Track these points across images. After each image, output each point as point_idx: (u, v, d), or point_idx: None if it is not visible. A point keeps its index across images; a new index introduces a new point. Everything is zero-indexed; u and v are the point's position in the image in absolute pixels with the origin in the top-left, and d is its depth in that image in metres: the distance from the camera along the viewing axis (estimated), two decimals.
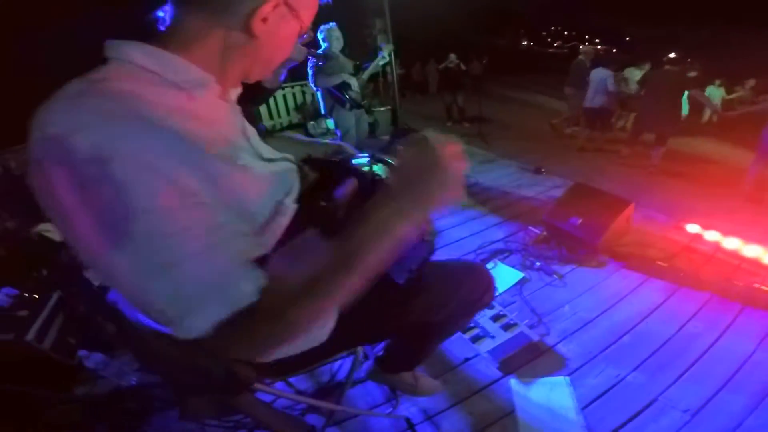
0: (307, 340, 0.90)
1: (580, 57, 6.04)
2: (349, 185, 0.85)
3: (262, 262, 0.63)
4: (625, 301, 2.23)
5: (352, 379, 1.33)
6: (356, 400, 1.70)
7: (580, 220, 2.71)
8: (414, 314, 1.07)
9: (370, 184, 0.83)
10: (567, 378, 1.75)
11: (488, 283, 1.18)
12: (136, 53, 0.60)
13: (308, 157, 0.99)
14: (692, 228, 2.82)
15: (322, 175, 0.88)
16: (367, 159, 1.05)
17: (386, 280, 0.87)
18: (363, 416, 1.63)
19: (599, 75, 5.45)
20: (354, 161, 1.03)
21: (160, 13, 0.66)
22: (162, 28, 0.65)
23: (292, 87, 7.13)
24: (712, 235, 2.71)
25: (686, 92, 4.60)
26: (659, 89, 4.60)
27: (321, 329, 0.90)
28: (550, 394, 1.69)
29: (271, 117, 7.03)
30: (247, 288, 0.57)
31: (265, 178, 0.73)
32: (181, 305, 0.55)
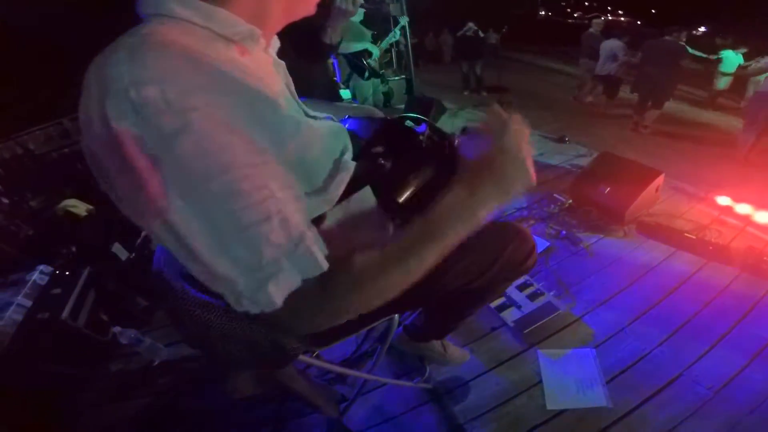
0: None
1: (591, 29, 6.33)
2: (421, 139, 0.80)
3: (317, 221, 0.64)
4: (652, 273, 2.16)
5: (386, 347, 1.31)
6: (383, 369, 1.70)
7: (608, 189, 2.61)
8: (461, 276, 1.03)
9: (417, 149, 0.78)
10: (594, 350, 1.72)
11: (531, 247, 1.12)
12: (179, 6, 0.54)
13: (350, 118, 0.93)
14: (723, 200, 2.69)
15: (378, 133, 0.83)
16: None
17: None
18: (389, 386, 1.63)
19: (610, 45, 5.75)
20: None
21: None
22: None
23: None
24: (743, 209, 2.58)
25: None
26: (656, 57, 4.82)
27: None
28: (576, 366, 1.67)
29: None
30: (319, 256, 0.54)
31: (320, 134, 0.68)
32: (257, 274, 0.50)
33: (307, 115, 0.72)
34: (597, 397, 1.52)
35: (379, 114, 1.15)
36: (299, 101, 0.73)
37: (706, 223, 2.52)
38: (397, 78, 5.89)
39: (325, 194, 0.66)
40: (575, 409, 1.49)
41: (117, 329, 1.69)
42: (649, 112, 5.09)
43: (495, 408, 1.53)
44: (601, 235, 2.49)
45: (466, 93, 7.12)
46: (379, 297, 0.58)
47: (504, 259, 1.06)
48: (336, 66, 3.35)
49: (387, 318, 1.14)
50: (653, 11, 21.33)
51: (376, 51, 3.26)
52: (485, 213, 0.60)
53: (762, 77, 4.90)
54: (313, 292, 0.54)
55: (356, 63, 3.18)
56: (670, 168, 2.89)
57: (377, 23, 3.83)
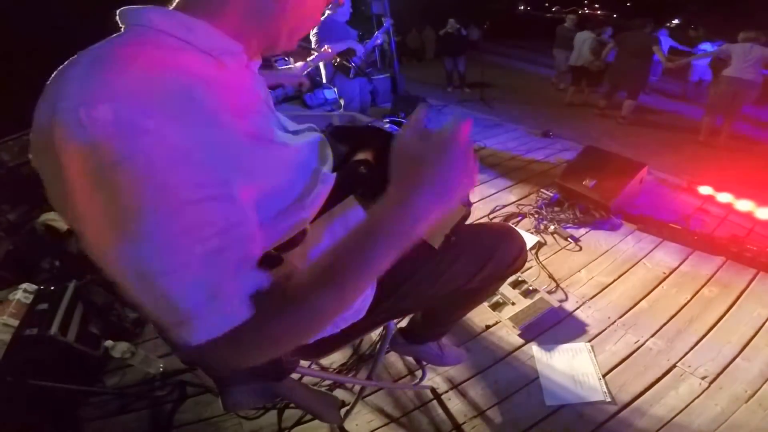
0: (345, 318, 0.88)
1: (565, 23, 6.53)
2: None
3: (301, 235, 0.63)
4: (640, 264, 2.18)
5: (383, 353, 1.29)
6: (380, 372, 1.67)
7: (594, 182, 2.62)
8: (451, 281, 1.01)
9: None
10: (588, 344, 1.72)
11: (521, 246, 1.11)
12: (158, 17, 0.51)
13: (332, 127, 0.91)
14: (704, 190, 2.73)
15: (355, 142, 0.82)
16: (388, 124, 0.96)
17: (422, 248, 0.83)
18: (389, 389, 1.60)
19: (582, 37, 5.88)
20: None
21: None
22: None
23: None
24: (724, 197, 2.62)
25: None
26: (628, 50, 4.90)
27: (360, 304, 0.87)
28: (572, 360, 1.66)
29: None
30: (237, 310, 0.47)
31: (295, 148, 0.67)
32: (175, 315, 0.45)
33: (286, 129, 0.69)
34: (594, 391, 1.51)
35: (363, 119, 1.13)
36: (278, 115, 0.71)
37: (689, 213, 2.55)
38: (382, 76, 5.83)
39: (302, 207, 0.63)
40: (574, 404, 1.49)
41: (109, 343, 1.62)
42: (625, 103, 5.11)
43: (495, 406, 1.52)
44: (589, 228, 2.49)
45: (449, 89, 7.08)
46: (311, 320, 0.51)
47: (495, 260, 1.04)
48: (322, 65, 3.28)
49: (382, 325, 1.11)
50: (628, 4, 21.56)
51: (361, 49, 3.22)
52: (418, 228, 0.51)
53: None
54: (246, 333, 0.47)
55: (341, 62, 3.13)
56: (652, 159, 2.92)
57: (360, 22, 3.77)
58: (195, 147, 0.45)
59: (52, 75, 0.44)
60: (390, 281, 0.85)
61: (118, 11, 0.52)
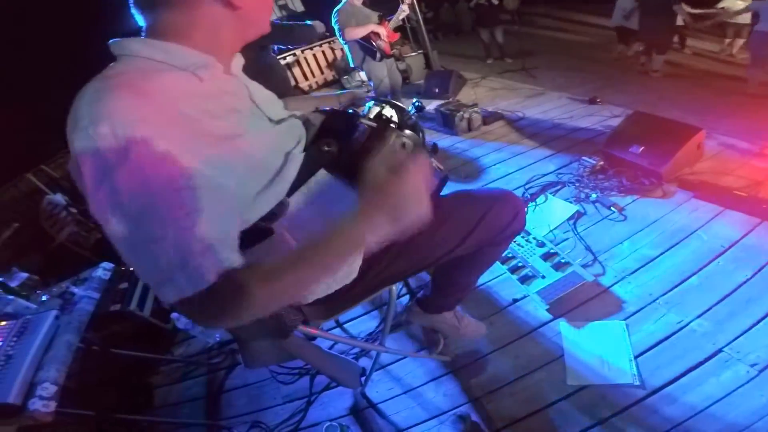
0: (336, 279, 0.92)
1: None
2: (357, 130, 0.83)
3: (280, 208, 0.72)
4: (694, 236, 1.86)
5: (391, 319, 1.25)
6: (401, 343, 1.64)
7: (641, 148, 2.27)
8: (441, 245, 1.01)
9: (357, 129, 0.83)
10: (623, 322, 1.53)
11: (516, 207, 1.05)
12: (141, 47, 0.62)
13: (315, 110, 0.96)
14: None
15: (325, 124, 0.87)
16: (374, 102, 1.07)
17: None
18: (408, 359, 1.57)
19: None
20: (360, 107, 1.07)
21: (140, 22, 0.66)
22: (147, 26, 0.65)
23: (321, 45, 6.44)
24: None
25: None
26: (651, 5, 4.74)
27: (349, 268, 0.91)
28: (602, 339, 1.49)
29: (305, 77, 6.52)
30: (225, 265, 0.56)
31: (273, 136, 0.76)
32: (154, 277, 0.56)
33: (270, 119, 0.78)
34: (622, 374, 1.35)
35: (360, 95, 1.21)
36: (263, 108, 0.77)
37: (760, 179, 2.11)
38: (414, 54, 5.51)
39: (275, 186, 0.72)
40: (599, 385, 1.34)
41: (174, 315, 1.76)
42: (654, 58, 4.86)
43: (513, 382, 1.42)
44: (637, 196, 2.18)
45: (489, 61, 6.41)
46: (276, 297, 0.61)
47: (485, 223, 1.01)
48: (349, 51, 3.18)
49: (384, 289, 1.10)
50: None
51: (382, 32, 3.05)
52: (372, 237, 0.63)
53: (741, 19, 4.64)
54: (209, 297, 0.55)
55: (366, 46, 3.03)
56: (722, 123, 2.45)
57: (385, 1, 3.55)
58: (175, 149, 0.55)
59: (74, 99, 0.56)
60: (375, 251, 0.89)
61: (109, 43, 0.63)
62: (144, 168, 0.53)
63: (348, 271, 0.92)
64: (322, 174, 0.77)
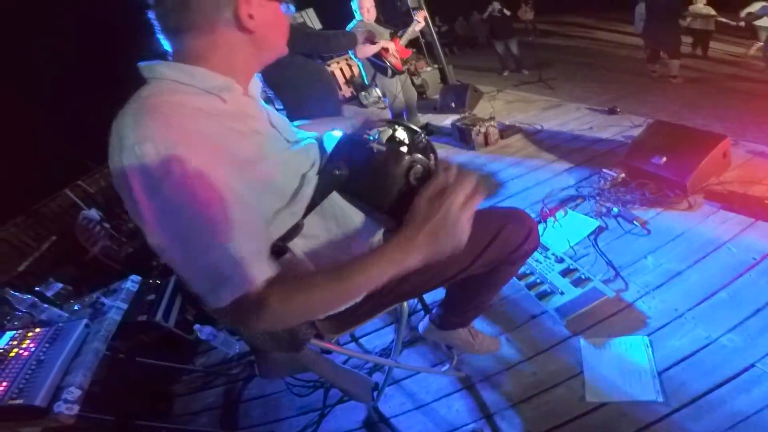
0: None
1: None
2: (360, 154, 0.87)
3: (295, 228, 0.77)
4: (723, 249, 1.81)
5: (402, 335, 1.30)
6: (416, 358, 1.66)
7: (663, 159, 2.24)
8: (453, 264, 1.03)
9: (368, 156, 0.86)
10: (646, 338, 1.50)
11: (529, 228, 1.08)
12: (169, 71, 0.69)
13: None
14: None
15: (337, 147, 0.90)
16: (386, 126, 1.05)
17: None
18: (422, 374, 1.58)
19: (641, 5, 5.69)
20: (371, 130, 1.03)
21: (166, 47, 0.73)
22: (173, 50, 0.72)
23: (338, 62, 6.73)
24: None
25: None
26: (658, 11, 4.97)
27: None
28: (623, 355, 1.46)
29: None
30: (257, 279, 0.63)
31: (290, 158, 0.80)
32: (206, 284, 0.63)
33: (287, 141, 0.83)
34: (645, 390, 1.32)
35: (377, 118, 1.22)
36: (280, 130, 0.83)
37: None
38: (429, 69, 5.63)
39: (292, 207, 0.76)
40: (619, 402, 1.31)
41: (197, 327, 1.87)
42: (669, 63, 5.11)
43: (529, 399, 1.41)
44: (661, 209, 2.15)
45: (505, 74, 6.58)
46: (307, 310, 0.68)
47: (498, 243, 1.04)
48: (362, 68, 3.33)
49: (396, 304, 1.14)
50: None
51: (392, 48, 3.19)
52: (412, 262, 0.69)
53: None
54: (254, 303, 0.62)
55: (378, 63, 3.14)
56: (749, 131, 2.40)
57: (398, 17, 3.71)
58: (207, 167, 0.62)
59: (113, 123, 0.62)
60: None
61: (139, 65, 0.70)
62: (183, 184, 0.59)
63: None
64: (334, 197, 0.81)
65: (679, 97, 4.28)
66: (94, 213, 2.60)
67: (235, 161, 0.66)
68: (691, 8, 5.69)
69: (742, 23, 4.76)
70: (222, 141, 0.66)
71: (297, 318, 0.70)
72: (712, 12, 5.49)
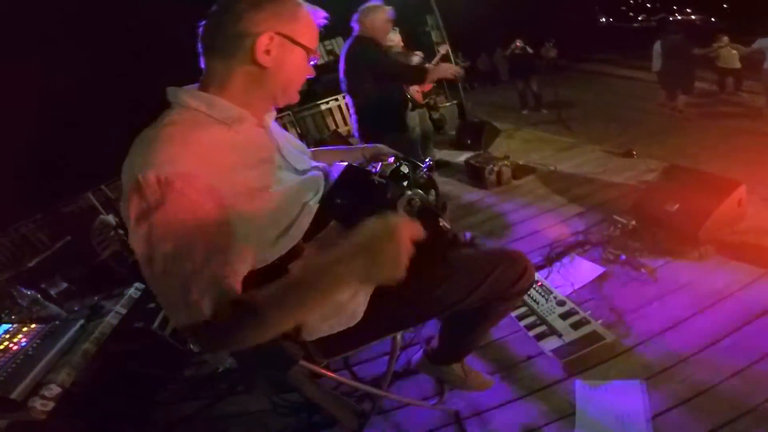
0: (340, 319, 1.01)
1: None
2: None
3: (296, 250, 0.83)
4: (732, 298, 1.83)
5: (393, 366, 1.36)
6: (407, 390, 1.71)
7: (676, 206, 2.31)
8: (447, 297, 1.09)
9: (369, 187, 0.93)
10: (642, 382, 1.51)
11: (524, 267, 1.14)
12: (189, 98, 0.79)
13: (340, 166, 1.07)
14: None
15: (341, 177, 0.97)
16: (393, 160, 1.14)
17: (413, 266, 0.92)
18: (412, 407, 1.62)
19: (656, 44, 6.16)
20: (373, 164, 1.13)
21: (201, 64, 0.85)
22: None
23: None
24: None
25: None
26: (674, 49, 5.67)
27: (354, 310, 1.02)
28: (617, 398, 1.48)
29: (345, 123, 7.34)
30: (206, 307, 0.68)
31: (295, 187, 0.88)
32: (167, 305, 0.71)
33: (295, 170, 0.92)
34: None
35: (388, 152, 1.28)
36: (290, 160, 0.93)
37: None
38: (448, 104, 5.83)
39: (288, 235, 0.83)
40: None
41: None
42: (680, 98, 5.68)
43: None
44: (670, 258, 2.19)
45: (524, 112, 6.74)
46: (260, 330, 0.71)
47: (492, 280, 1.09)
48: None
49: (389, 335, 1.20)
50: (725, 6, 18.12)
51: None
52: (345, 285, 0.72)
53: None
54: (205, 328, 0.69)
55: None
56: (766, 178, 2.45)
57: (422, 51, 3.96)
58: (207, 198, 0.69)
59: (132, 146, 0.73)
60: (383, 294, 1.01)
61: (167, 90, 0.81)
62: (177, 214, 0.67)
63: (352, 313, 1.03)
64: (333, 225, 0.87)
65: (698, 139, 4.34)
66: (111, 219, 2.78)
67: (240, 189, 0.74)
68: (716, 45, 6.16)
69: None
70: (229, 171, 0.73)
71: (248, 342, 0.72)
72: (741, 48, 5.91)
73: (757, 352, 1.52)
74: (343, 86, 2.76)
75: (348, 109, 7.04)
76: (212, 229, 0.69)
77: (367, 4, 2.63)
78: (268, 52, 0.79)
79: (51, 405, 1.25)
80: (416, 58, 3.08)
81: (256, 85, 0.82)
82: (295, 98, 0.91)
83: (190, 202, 0.67)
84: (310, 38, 0.86)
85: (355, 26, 2.67)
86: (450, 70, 2.84)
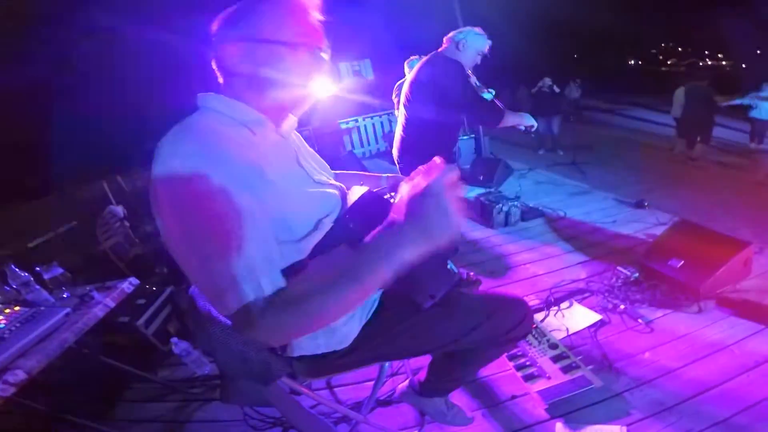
0: (329, 341, 1.06)
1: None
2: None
3: (299, 266, 0.85)
4: (725, 351, 1.89)
5: (377, 391, 1.46)
6: (387, 418, 1.78)
7: (681, 262, 2.41)
8: (441, 336, 1.14)
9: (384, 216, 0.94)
10: (623, 428, 1.56)
11: (523, 314, 1.19)
12: (215, 103, 0.87)
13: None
14: None
15: (357, 201, 1.01)
16: None
17: (412, 302, 1.00)
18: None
19: (680, 89, 6.39)
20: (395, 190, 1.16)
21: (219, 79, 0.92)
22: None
23: (380, 116, 7.76)
24: None
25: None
26: (695, 101, 5.84)
27: (345, 335, 1.06)
28: None
29: (362, 144, 7.75)
30: (266, 286, 0.74)
31: (310, 198, 0.93)
32: (215, 290, 0.74)
33: (312, 180, 0.98)
34: None
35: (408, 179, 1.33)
36: (307, 169, 0.99)
37: None
38: (465, 138, 5.98)
39: (298, 247, 0.88)
40: None
41: (174, 340, 2.06)
42: (697, 146, 5.95)
43: None
44: (669, 311, 2.25)
45: (540, 152, 6.79)
46: (307, 318, 0.74)
47: (490, 323, 1.15)
48: None
49: (375, 363, 1.24)
50: (758, 52, 18.21)
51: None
52: (407, 254, 0.70)
53: None
54: (262, 309, 0.72)
55: None
56: None
57: None
58: (228, 186, 0.73)
59: (160, 141, 0.77)
60: (377, 324, 1.09)
61: (198, 95, 0.88)
62: (203, 198, 0.71)
63: (343, 337, 1.06)
64: (343, 248, 0.88)
65: (713, 193, 4.38)
66: (119, 209, 2.88)
67: (254, 186, 0.77)
68: (752, 95, 6.34)
69: None
70: (245, 167, 0.77)
71: (299, 331, 0.77)
72: None
73: (741, 403, 1.57)
74: (406, 102, 2.51)
75: (374, 128, 6.92)
76: (236, 215, 0.73)
77: (471, 28, 2.44)
78: (240, 60, 0.84)
79: (11, 390, 1.26)
80: (488, 95, 2.90)
81: (266, 95, 0.87)
82: (304, 101, 0.94)
83: (212, 188, 0.71)
84: (306, 34, 0.88)
85: (447, 43, 2.44)
86: (527, 122, 2.59)
